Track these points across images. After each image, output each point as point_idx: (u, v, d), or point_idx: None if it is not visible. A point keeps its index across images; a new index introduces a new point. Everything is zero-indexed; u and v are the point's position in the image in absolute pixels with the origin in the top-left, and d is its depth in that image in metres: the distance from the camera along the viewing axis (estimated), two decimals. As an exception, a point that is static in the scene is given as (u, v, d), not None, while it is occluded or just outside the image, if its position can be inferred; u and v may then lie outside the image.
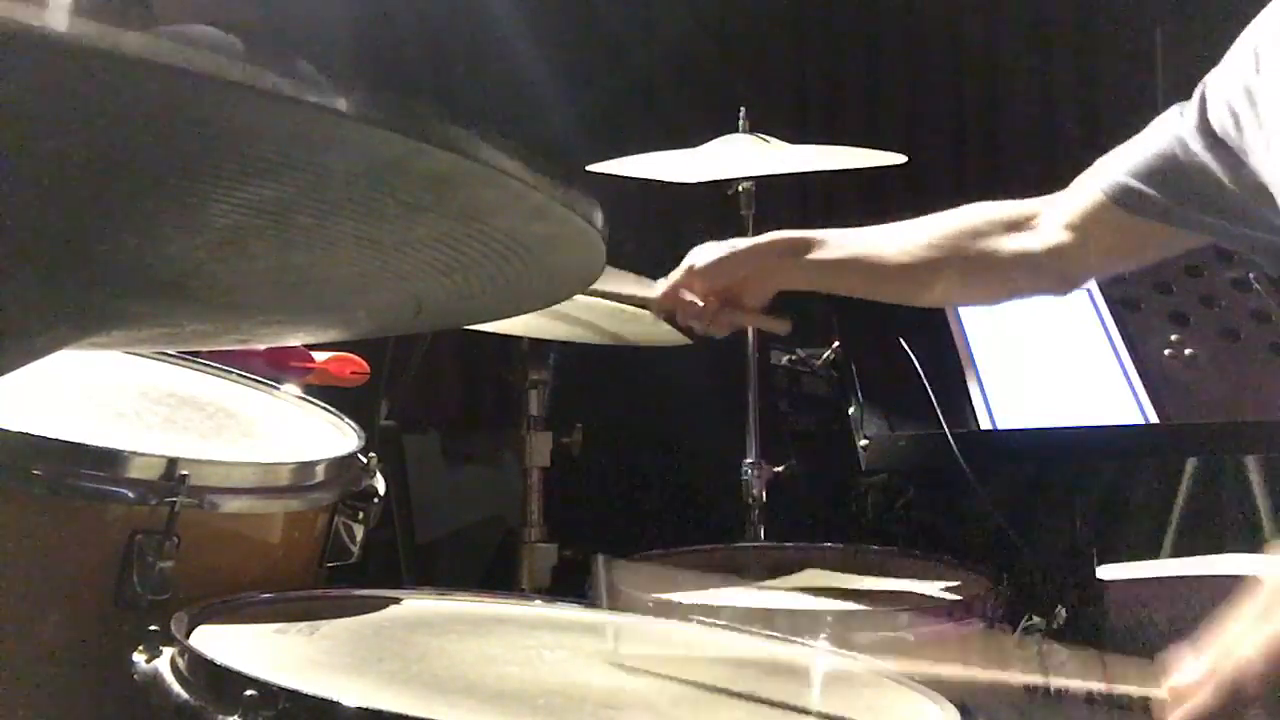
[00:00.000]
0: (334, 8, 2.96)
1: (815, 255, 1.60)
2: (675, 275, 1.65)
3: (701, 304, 1.63)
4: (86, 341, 0.70)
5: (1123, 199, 1.38)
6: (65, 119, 0.45)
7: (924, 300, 1.69)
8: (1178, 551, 2.59)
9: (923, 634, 1.50)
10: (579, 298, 1.85)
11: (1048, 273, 1.50)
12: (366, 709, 0.82)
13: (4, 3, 0.38)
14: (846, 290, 1.67)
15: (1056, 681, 0.78)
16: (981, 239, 1.53)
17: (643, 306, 1.71)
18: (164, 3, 2.42)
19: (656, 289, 1.67)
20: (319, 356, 1.57)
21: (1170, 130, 1.35)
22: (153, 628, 0.97)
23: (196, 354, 1.51)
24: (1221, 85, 1.29)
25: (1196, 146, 1.31)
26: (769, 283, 1.64)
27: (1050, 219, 1.49)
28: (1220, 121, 1.28)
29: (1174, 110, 1.36)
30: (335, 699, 0.82)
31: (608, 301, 1.91)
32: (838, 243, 1.61)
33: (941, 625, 1.53)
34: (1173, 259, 2.37)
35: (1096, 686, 0.78)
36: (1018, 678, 0.80)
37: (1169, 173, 1.34)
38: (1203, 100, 1.31)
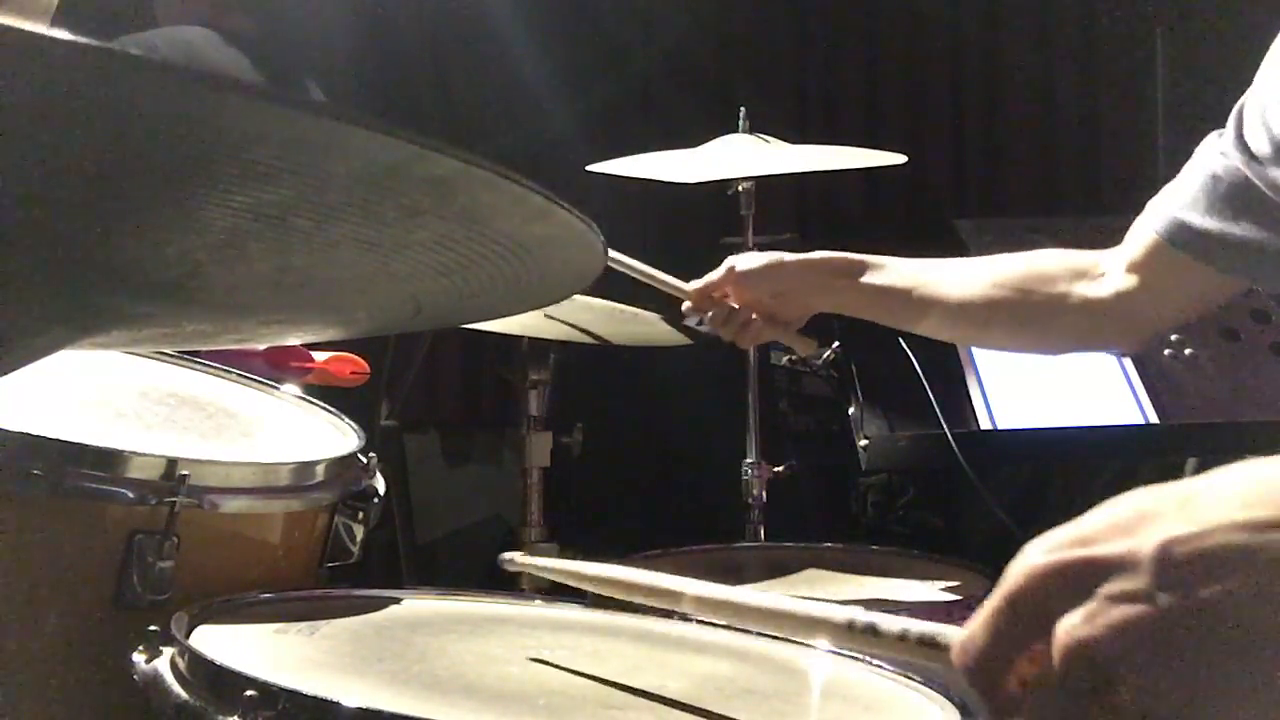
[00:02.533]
0: (334, 9, 2.97)
1: (867, 279, 1.55)
2: (714, 275, 1.61)
3: (736, 309, 1.60)
4: (86, 341, 0.70)
5: (1175, 235, 1.35)
6: (65, 121, 0.45)
7: (975, 340, 1.65)
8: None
9: (922, 634, 1.50)
10: (579, 297, 1.85)
11: (1114, 322, 1.44)
12: (366, 709, 0.82)
13: (5, 7, 0.38)
14: (892, 321, 1.60)
15: (873, 617, 0.76)
16: (1049, 284, 1.46)
17: (676, 297, 1.68)
18: (166, 5, 2.42)
19: (691, 285, 1.65)
20: (319, 356, 1.57)
21: (1209, 154, 1.34)
22: (153, 628, 0.97)
23: (196, 354, 1.51)
24: (1256, 104, 1.27)
25: (1237, 161, 1.29)
26: (811, 300, 1.60)
27: (1114, 266, 1.44)
28: (1256, 140, 1.26)
29: (1212, 136, 1.35)
30: (335, 699, 0.82)
31: (612, 303, 1.91)
32: (892, 269, 1.55)
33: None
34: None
35: (913, 625, 0.74)
36: (838, 613, 0.78)
37: (1214, 194, 1.32)
38: (1239, 121, 1.29)
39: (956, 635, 0.69)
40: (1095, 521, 0.66)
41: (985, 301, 1.48)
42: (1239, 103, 1.31)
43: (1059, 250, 1.50)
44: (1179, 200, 1.36)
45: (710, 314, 1.64)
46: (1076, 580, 0.63)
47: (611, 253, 1.66)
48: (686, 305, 1.67)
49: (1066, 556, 0.65)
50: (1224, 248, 1.32)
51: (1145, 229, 1.40)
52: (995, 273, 1.49)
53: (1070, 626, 0.62)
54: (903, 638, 0.73)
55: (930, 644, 0.71)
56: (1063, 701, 0.62)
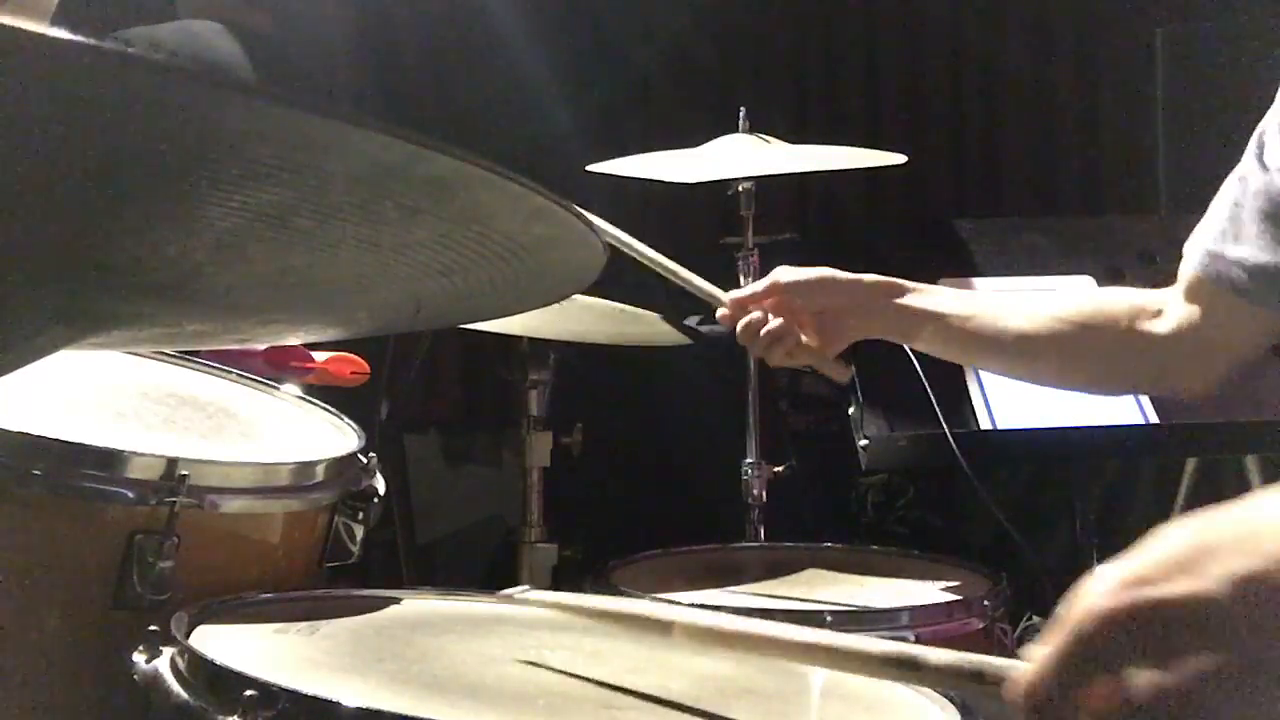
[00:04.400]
0: (335, 9, 2.96)
1: (914, 302, 1.49)
2: (756, 286, 1.55)
3: (776, 323, 1.52)
4: (86, 341, 0.70)
5: (1208, 268, 1.34)
6: (65, 121, 0.45)
7: (1033, 376, 1.55)
8: (1178, 551, 2.58)
9: (922, 634, 1.50)
10: (579, 297, 1.85)
11: (1177, 361, 1.39)
12: (366, 709, 0.82)
13: (5, 7, 0.38)
14: (940, 349, 1.53)
15: (916, 650, 0.76)
16: (1114, 321, 1.41)
17: (711, 304, 1.63)
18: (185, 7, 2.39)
19: (729, 294, 1.59)
20: (319, 356, 1.57)
21: (1231, 188, 1.33)
22: (153, 628, 0.97)
23: (196, 354, 1.51)
24: (1276, 123, 1.26)
25: (1259, 183, 1.28)
26: (854, 320, 1.52)
27: (1171, 304, 1.41)
28: (1274, 154, 1.25)
29: (1235, 170, 1.34)
30: (335, 699, 0.82)
31: (612, 302, 1.91)
32: (944, 296, 1.49)
33: (941, 625, 1.53)
34: (1172, 259, 2.37)
35: (961, 659, 0.74)
36: (879, 646, 0.77)
37: (1239, 221, 1.30)
38: (1260, 144, 1.29)
39: (1005, 668, 0.69)
40: (1153, 558, 0.66)
41: (1048, 336, 1.43)
42: (1259, 128, 1.29)
43: (1123, 289, 1.46)
44: (1209, 234, 1.35)
45: (744, 325, 1.56)
46: (1146, 625, 0.63)
47: (644, 248, 1.63)
48: (722, 313, 1.61)
49: (1133, 599, 0.65)
50: (1255, 277, 1.30)
51: (1185, 267, 1.38)
52: (1058, 308, 1.45)
53: (1153, 676, 0.62)
54: (948, 671, 0.73)
55: (978, 678, 0.72)
56: None
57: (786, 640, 0.84)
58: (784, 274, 1.53)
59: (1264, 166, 1.27)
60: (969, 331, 1.46)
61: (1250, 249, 1.30)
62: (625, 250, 1.63)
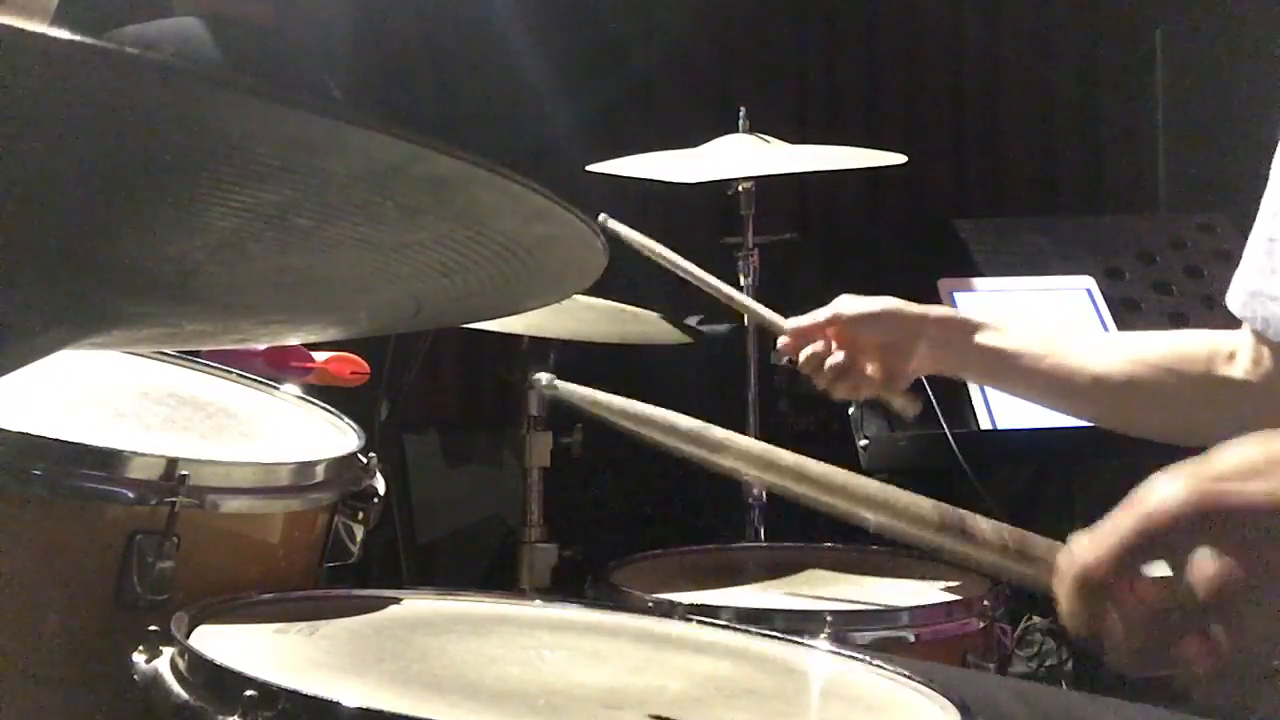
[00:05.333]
0: (335, 8, 2.96)
1: (985, 340, 1.42)
2: (818, 315, 1.50)
3: (836, 354, 1.48)
4: (86, 341, 0.70)
5: (1246, 312, 1.28)
6: (66, 121, 0.45)
7: (1111, 419, 1.46)
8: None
9: (923, 634, 1.50)
10: (579, 297, 1.85)
11: (1262, 404, 1.30)
12: (366, 709, 0.82)
13: (5, 7, 0.38)
14: (1009, 386, 1.48)
15: (970, 522, 0.77)
16: (1194, 364, 1.33)
17: (772, 331, 1.60)
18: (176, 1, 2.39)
19: (791, 321, 1.55)
20: (319, 356, 1.57)
21: (1264, 215, 1.28)
22: (153, 628, 0.97)
23: (196, 354, 1.51)
24: None
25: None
26: (921, 354, 1.46)
27: (1242, 345, 1.34)
28: None
29: (1265, 206, 1.29)
30: (335, 699, 0.82)
31: (612, 302, 1.91)
32: (1016, 333, 1.43)
33: (941, 625, 1.53)
34: (1172, 259, 2.37)
35: (1010, 534, 0.75)
36: (934, 510, 0.78)
37: (1275, 257, 1.24)
38: None
39: (1050, 547, 0.71)
40: (1227, 460, 0.68)
41: (1126, 379, 1.36)
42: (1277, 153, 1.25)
43: (1201, 331, 1.39)
44: (1248, 270, 1.29)
45: (806, 356, 1.51)
46: (1216, 517, 0.66)
47: (700, 273, 1.62)
48: (783, 342, 1.56)
49: (1208, 491, 0.67)
50: None
51: (1233, 307, 1.31)
52: (1136, 350, 1.37)
53: (1223, 563, 0.64)
54: (993, 543, 0.74)
55: (1024, 553, 0.73)
56: (1160, 629, 0.66)
57: (840, 484, 0.84)
58: (848, 305, 1.48)
59: None
60: (1042, 372, 1.40)
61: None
62: (682, 274, 1.63)
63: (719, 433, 0.91)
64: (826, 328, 1.50)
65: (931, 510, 0.79)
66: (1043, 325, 2.01)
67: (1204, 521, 0.66)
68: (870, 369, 1.49)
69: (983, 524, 0.77)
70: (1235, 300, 1.31)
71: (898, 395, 1.53)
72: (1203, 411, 1.34)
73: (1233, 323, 1.33)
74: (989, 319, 1.45)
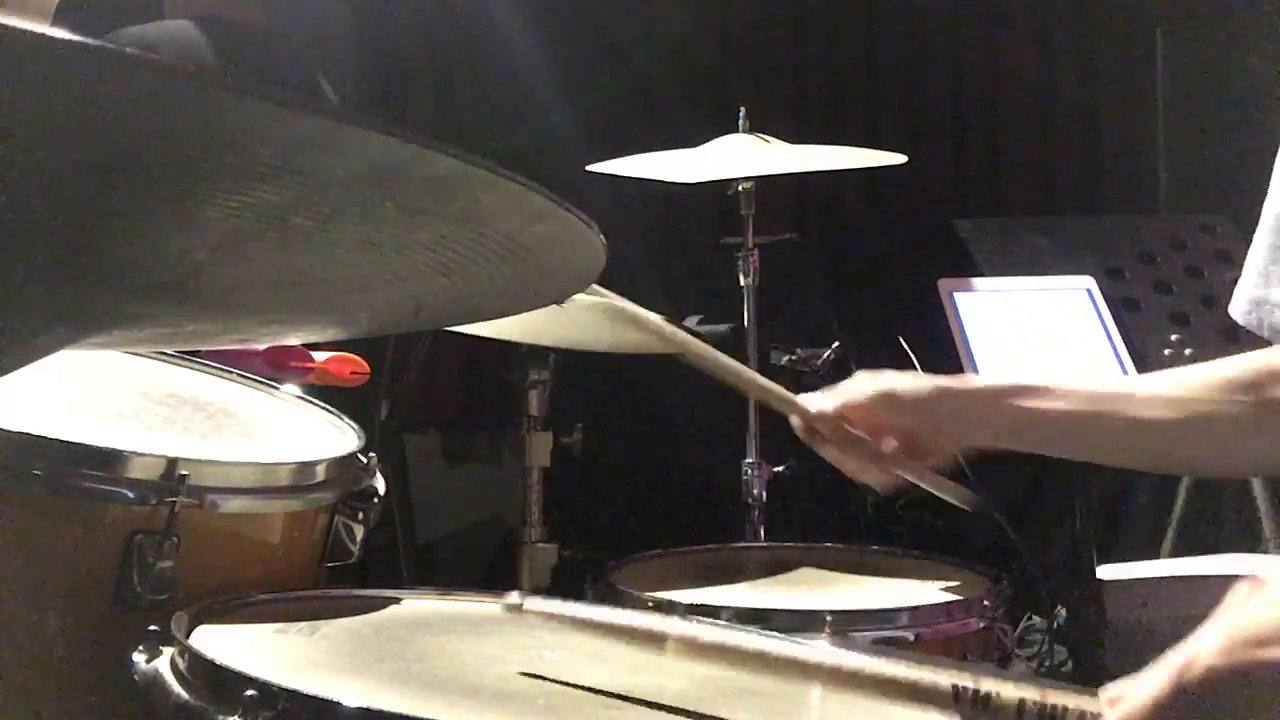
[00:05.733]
0: (334, 8, 2.96)
1: (1037, 403, 1.32)
2: (844, 397, 1.36)
3: (873, 443, 1.36)
4: (86, 341, 0.70)
5: (1250, 320, 1.25)
6: (65, 121, 0.45)
7: (1211, 467, 1.39)
8: (1177, 551, 2.59)
9: (922, 634, 1.50)
10: (579, 296, 1.85)
11: None
12: (366, 709, 0.82)
13: (5, 7, 0.38)
14: (1073, 453, 1.40)
15: (986, 685, 0.77)
16: (1269, 390, 1.24)
17: (793, 414, 1.43)
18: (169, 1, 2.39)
19: (813, 403, 1.39)
20: (319, 356, 1.57)
21: (1266, 219, 1.26)
22: (153, 628, 0.97)
23: (196, 354, 1.51)
24: None
25: None
26: (965, 432, 1.36)
27: None
28: None
29: (1267, 209, 1.27)
30: (335, 699, 0.82)
31: (612, 301, 1.90)
32: (1070, 392, 1.32)
33: (941, 625, 1.53)
34: (1172, 259, 2.37)
35: (1030, 694, 0.75)
36: (947, 677, 0.78)
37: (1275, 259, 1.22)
38: None
39: (1080, 705, 0.72)
40: (1263, 618, 0.70)
41: (1200, 419, 1.26)
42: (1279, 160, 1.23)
43: (1247, 355, 1.28)
44: (1250, 277, 1.26)
45: (830, 445, 1.38)
46: (1257, 684, 0.68)
47: (719, 356, 1.47)
48: (800, 427, 1.41)
49: (1244, 660, 0.69)
50: None
51: (1236, 314, 1.28)
52: (1204, 384, 1.27)
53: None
54: (1017, 708, 0.75)
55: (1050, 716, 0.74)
56: None
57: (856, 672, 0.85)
58: (881, 382, 1.36)
59: None
60: (1108, 428, 1.31)
61: None
62: (702, 364, 1.48)
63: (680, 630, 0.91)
64: (858, 409, 1.37)
65: (946, 685, 0.79)
66: (1070, 366, 1.96)
67: (1240, 682, 0.68)
68: (912, 449, 1.38)
69: (1004, 689, 0.77)
70: (1238, 308, 1.28)
71: (947, 482, 1.41)
72: (1261, 440, 1.25)
73: (1232, 323, 1.31)
74: (1022, 377, 1.36)
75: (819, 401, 1.38)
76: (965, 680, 0.77)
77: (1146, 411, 1.28)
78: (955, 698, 0.77)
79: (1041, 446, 1.37)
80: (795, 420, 1.41)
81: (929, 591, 1.64)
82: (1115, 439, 1.32)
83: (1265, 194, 1.27)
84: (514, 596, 1.11)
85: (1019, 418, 1.33)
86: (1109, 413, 1.30)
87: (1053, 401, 1.32)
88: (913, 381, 1.36)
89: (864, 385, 1.36)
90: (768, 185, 2.21)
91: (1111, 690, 0.76)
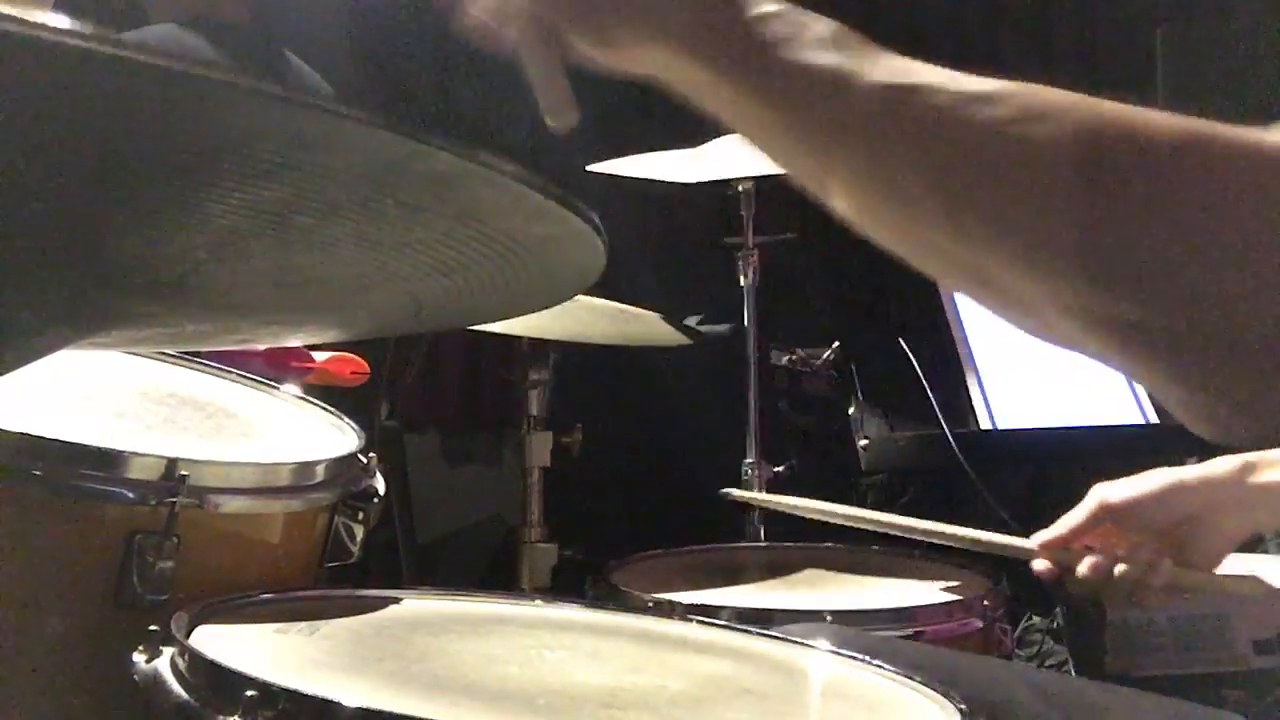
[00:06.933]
0: (334, 7, 2.96)
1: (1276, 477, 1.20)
2: (1078, 515, 1.26)
3: (1122, 555, 1.22)
4: (86, 341, 0.70)
5: None
6: (65, 119, 0.45)
7: None
8: (1178, 551, 2.59)
9: (923, 634, 1.50)
10: (581, 297, 1.85)
11: None
12: (366, 709, 0.82)
13: (4, 6, 0.38)
14: None
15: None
16: None
17: (1024, 559, 1.32)
18: (157, 1, 2.39)
19: (1045, 535, 1.29)
20: (319, 356, 1.57)
21: None
22: (153, 628, 0.97)
23: (196, 354, 1.51)
24: None
25: None
26: (1225, 527, 1.21)
27: None
28: None
29: None
30: (335, 699, 0.82)
31: (613, 302, 1.91)
32: None
33: (941, 625, 1.53)
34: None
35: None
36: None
37: None
38: None
39: None
40: None
41: None
42: None
43: None
44: None
45: (1083, 569, 1.24)
46: None
47: (949, 530, 1.38)
48: (1042, 566, 1.29)
49: None
50: None
51: None
52: None
53: None
54: None
55: None
56: None
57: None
58: (1112, 492, 1.25)
59: None
60: None
61: None
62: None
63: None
64: (1098, 528, 1.25)
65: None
66: None
67: None
68: (1178, 554, 1.23)
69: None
70: None
71: (1227, 581, 1.27)
72: None
73: None
74: (1243, 456, 1.21)
75: (1049, 533, 1.29)
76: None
77: None
78: None
79: None
80: (1037, 565, 1.29)
81: (929, 591, 1.65)
82: None
83: None
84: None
85: (1266, 492, 1.20)
86: None
87: None
88: (1136, 485, 1.23)
89: (1091, 497, 1.25)
90: (768, 185, 2.20)
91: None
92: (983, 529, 1.38)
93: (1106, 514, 1.24)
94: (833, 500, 1.59)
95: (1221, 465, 1.22)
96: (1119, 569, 1.21)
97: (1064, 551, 1.27)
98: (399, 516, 2.68)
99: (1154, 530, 1.22)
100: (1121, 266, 0.57)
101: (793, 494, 2.18)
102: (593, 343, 1.98)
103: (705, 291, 2.63)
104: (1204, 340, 0.57)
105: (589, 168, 2.10)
